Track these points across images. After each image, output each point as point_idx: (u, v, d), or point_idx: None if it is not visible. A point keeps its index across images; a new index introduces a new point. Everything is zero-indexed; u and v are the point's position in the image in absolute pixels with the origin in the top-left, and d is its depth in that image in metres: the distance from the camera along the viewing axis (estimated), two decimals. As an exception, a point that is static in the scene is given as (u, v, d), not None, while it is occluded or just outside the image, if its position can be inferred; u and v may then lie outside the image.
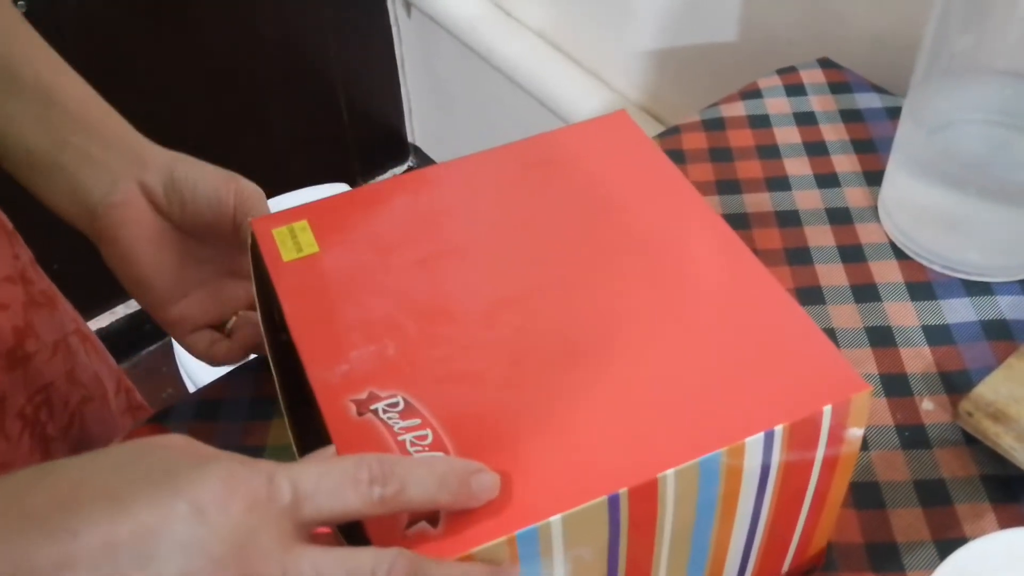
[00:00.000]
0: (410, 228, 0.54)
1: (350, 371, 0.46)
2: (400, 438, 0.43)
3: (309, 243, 0.53)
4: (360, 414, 0.44)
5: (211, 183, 0.57)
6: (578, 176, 0.56)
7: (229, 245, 0.60)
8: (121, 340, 1.74)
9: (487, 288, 0.51)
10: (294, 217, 0.55)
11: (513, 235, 0.54)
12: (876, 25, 0.92)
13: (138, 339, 1.78)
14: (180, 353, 1.24)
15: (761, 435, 0.43)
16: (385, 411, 0.44)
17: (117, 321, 1.74)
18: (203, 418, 0.64)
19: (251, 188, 0.59)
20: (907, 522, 0.56)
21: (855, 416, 0.45)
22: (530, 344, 0.48)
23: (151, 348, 1.79)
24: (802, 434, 0.44)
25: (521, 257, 0.53)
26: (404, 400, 0.45)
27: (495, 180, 0.57)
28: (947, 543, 0.52)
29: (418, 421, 0.44)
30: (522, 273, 0.52)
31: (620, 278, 0.51)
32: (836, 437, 0.45)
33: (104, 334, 1.74)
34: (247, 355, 0.63)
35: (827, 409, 0.44)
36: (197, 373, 1.28)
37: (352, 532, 0.42)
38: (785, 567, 0.52)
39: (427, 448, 0.43)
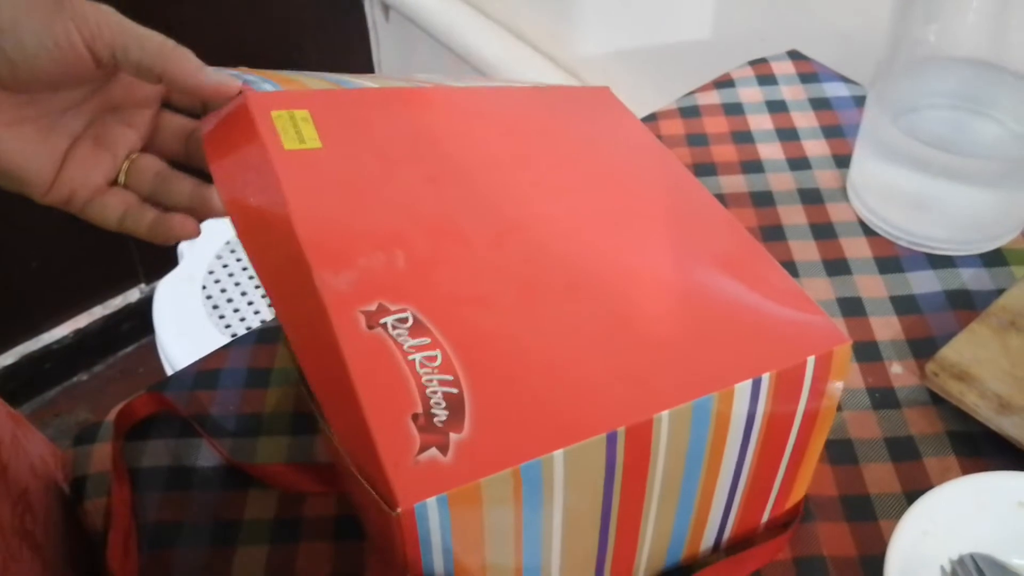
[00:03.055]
0: (415, 144, 0.52)
1: (358, 279, 0.44)
2: (410, 357, 0.42)
3: (311, 136, 0.50)
4: (370, 327, 0.43)
5: (37, 31, 0.45)
6: (575, 126, 0.57)
7: (94, 83, 0.51)
8: (98, 341, 1.75)
9: (494, 213, 0.50)
10: (293, 103, 0.51)
11: (516, 167, 0.53)
12: (842, 19, 0.95)
13: (115, 340, 1.78)
14: (163, 343, 1.25)
15: (750, 382, 0.44)
16: (395, 326, 0.43)
17: (94, 322, 1.75)
18: (202, 387, 0.66)
19: (92, 10, 0.46)
20: (879, 476, 0.59)
21: (836, 368, 0.47)
22: (537, 273, 0.47)
23: (128, 349, 1.80)
24: (787, 383, 0.46)
25: (525, 189, 0.52)
26: (413, 316, 0.43)
27: (496, 114, 0.56)
28: (916, 493, 0.54)
29: (428, 340, 0.43)
30: (527, 203, 0.51)
31: (616, 222, 0.51)
32: (818, 389, 0.47)
33: (81, 335, 1.74)
34: (158, 206, 0.53)
35: (811, 360, 0.46)
36: (180, 364, 1.29)
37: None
38: (764, 518, 0.55)
39: (436, 370, 0.42)
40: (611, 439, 0.42)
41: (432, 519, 0.39)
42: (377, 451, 0.39)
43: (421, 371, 0.41)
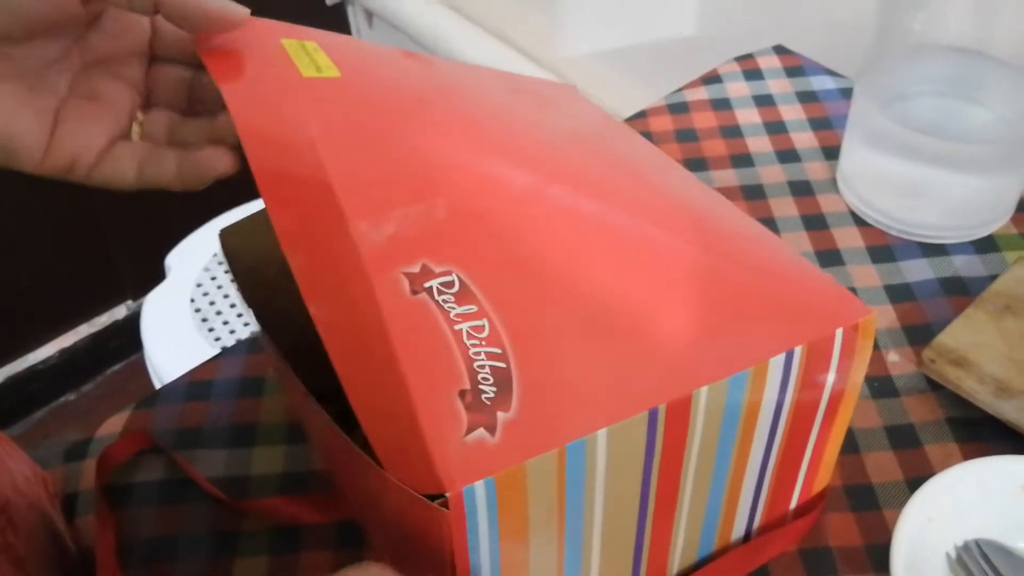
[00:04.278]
0: (431, 91, 0.48)
1: (398, 234, 0.40)
2: (457, 327, 0.39)
3: (327, 64, 0.45)
4: (414, 292, 0.39)
5: None
6: (566, 108, 0.56)
7: (75, 30, 0.44)
8: (85, 360, 1.74)
9: (525, 165, 0.46)
10: (295, 35, 0.46)
11: (530, 130, 0.50)
12: (827, 12, 0.95)
13: (102, 358, 1.77)
14: (152, 359, 1.24)
15: (783, 356, 0.43)
16: (440, 291, 0.39)
17: (81, 340, 1.74)
18: (195, 398, 0.65)
19: None
20: (881, 464, 0.58)
21: (863, 340, 0.46)
22: (576, 234, 0.44)
23: (116, 367, 1.79)
24: (817, 356, 0.45)
25: (548, 151, 0.49)
26: (459, 279, 0.40)
27: (491, 85, 0.54)
28: (918, 481, 0.54)
29: (475, 308, 0.39)
30: (555, 163, 0.48)
31: (634, 200, 0.49)
32: (845, 362, 0.46)
33: (68, 355, 1.73)
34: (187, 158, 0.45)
35: (839, 332, 0.45)
36: (170, 375, 1.28)
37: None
38: (792, 504, 0.54)
39: (484, 342, 0.39)
40: (652, 417, 0.40)
41: (480, 505, 0.37)
42: (422, 431, 0.36)
43: (468, 343, 0.39)
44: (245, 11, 0.43)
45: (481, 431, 0.37)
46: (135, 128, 0.46)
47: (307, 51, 0.45)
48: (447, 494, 0.36)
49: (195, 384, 0.66)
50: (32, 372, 1.71)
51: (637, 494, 0.44)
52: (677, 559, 0.51)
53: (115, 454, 0.61)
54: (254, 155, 0.40)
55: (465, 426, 0.37)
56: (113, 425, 0.64)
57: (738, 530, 0.52)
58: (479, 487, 0.36)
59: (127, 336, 1.75)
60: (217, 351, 1.22)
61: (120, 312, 1.77)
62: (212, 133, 0.46)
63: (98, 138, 0.44)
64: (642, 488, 0.44)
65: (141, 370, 1.42)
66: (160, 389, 0.66)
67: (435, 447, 0.36)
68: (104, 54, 0.45)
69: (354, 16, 1.74)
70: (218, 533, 0.58)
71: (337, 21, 1.74)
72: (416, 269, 0.40)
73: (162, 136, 0.46)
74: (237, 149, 0.45)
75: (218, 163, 0.44)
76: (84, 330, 1.74)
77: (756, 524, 0.53)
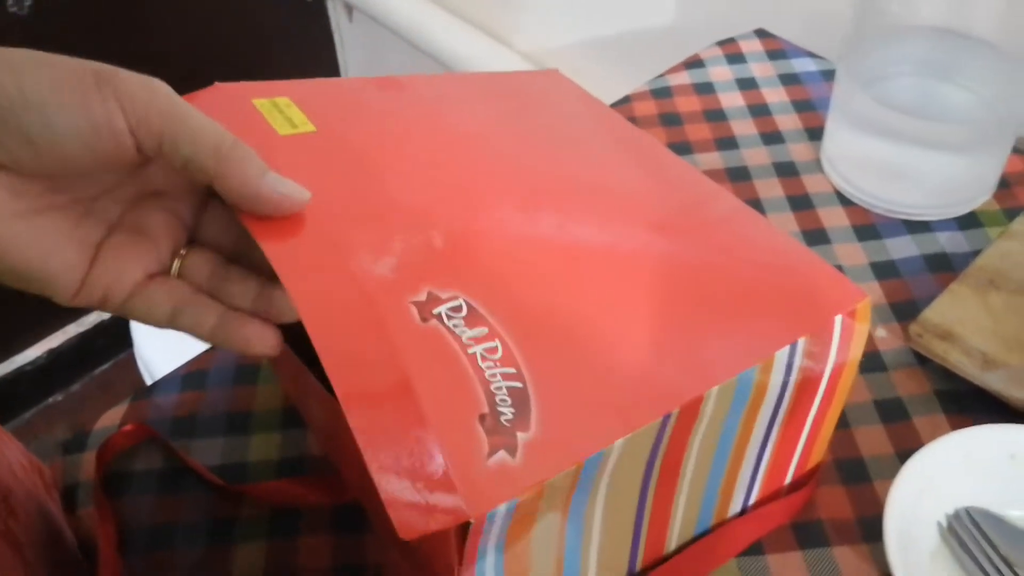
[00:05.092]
0: (410, 122, 0.49)
1: (400, 264, 0.40)
2: (470, 351, 0.39)
3: (301, 120, 0.45)
4: (424, 320, 0.39)
5: (71, 110, 0.37)
6: (548, 105, 0.57)
7: (130, 168, 0.42)
8: (73, 360, 1.73)
9: (513, 184, 0.47)
10: (267, 92, 0.46)
11: (514, 142, 0.51)
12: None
13: (90, 357, 1.77)
14: (143, 355, 1.24)
15: (787, 348, 0.44)
16: (449, 316, 0.40)
17: (68, 340, 1.73)
18: (190, 388, 0.65)
19: (142, 90, 0.38)
20: (871, 438, 0.59)
21: (860, 324, 0.47)
22: (571, 245, 0.44)
23: (104, 366, 1.78)
24: (818, 345, 0.46)
25: (533, 165, 0.50)
26: (466, 304, 0.40)
27: (468, 99, 0.55)
28: (908, 453, 0.55)
29: (485, 330, 0.40)
30: (542, 177, 0.48)
31: (621, 198, 0.50)
32: (844, 346, 0.47)
33: (55, 355, 1.73)
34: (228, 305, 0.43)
35: (838, 319, 0.46)
36: (161, 370, 1.28)
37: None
38: (788, 479, 0.55)
39: (498, 363, 0.39)
40: (664, 420, 0.41)
41: (497, 524, 0.37)
42: (443, 459, 0.36)
43: (483, 365, 0.39)
44: (306, 195, 0.41)
45: (502, 453, 0.37)
46: (176, 263, 0.44)
47: (279, 108, 0.46)
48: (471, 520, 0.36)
49: (190, 375, 0.66)
50: (20, 373, 1.71)
51: (639, 485, 0.45)
52: (675, 535, 0.51)
53: (115, 445, 0.61)
54: (248, 222, 0.41)
55: (487, 450, 0.37)
56: (111, 418, 0.64)
57: (735, 506, 0.53)
58: (501, 509, 0.36)
59: (114, 335, 1.75)
60: (207, 345, 1.22)
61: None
62: (262, 297, 0.43)
63: (135, 273, 0.42)
64: (644, 479, 0.45)
65: (129, 368, 1.42)
66: (156, 381, 0.66)
67: (457, 476, 0.35)
68: (160, 186, 0.44)
69: (334, 11, 1.74)
70: (217, 520, 0.58)
71: (317, 16, 1.74)
72: (423, 297, 0.40)
73: (203, 279, 0.44)
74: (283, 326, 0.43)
75: (262, 342, 0.42)
76: (72, 330, 1.74)
77: (753, 499, 0.54)
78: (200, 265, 0.44)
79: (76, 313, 1.74)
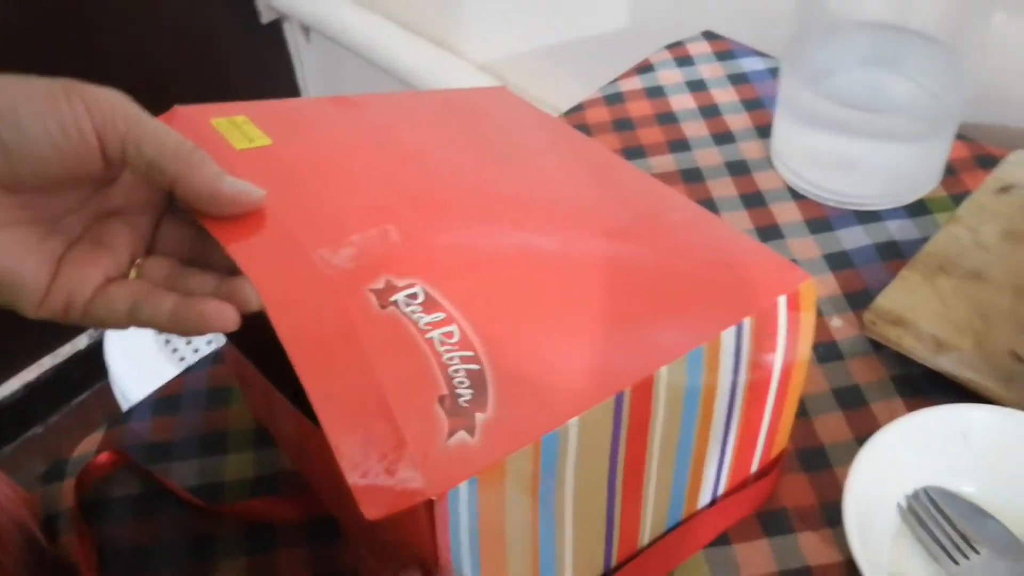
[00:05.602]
0: (364, 136, 0.51)
1: (358, 254, 0.42)
2: (428, 335, 0.40)
3: (258, 135, 0.48)
4: (383, 307, 0.41)
5: (41, 115, 0.40)
6: (498, 120, 0.58)
7: (95, 184, 0.45)
8: (50, 392, 1.73)
9: (466, 196, 0.49)
10: (225, 112, 0.49)
11: (465, 156, 0.53)
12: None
13: (67, 389, 1.77)
14: (119, 384, 1.25)
15: (733, 329, 0.46)
16: (407, 303, 0.41)
17: (44, 373, 1.73)
18: (164, 413, 0.66)
19: (107, 97, 0.41)
20: (830, 426, 0.61)
21: (805, 304, 0.49)
22: (527, 238, 0.47)
23: (81, 397, 1.78)
24: (764, 324, 0.48)
25: (486, 178, 0.52)
26: (424, 291, 0.42)
27: (421, 115, 0.57)
28: (866, 438, 0.56)
29: (442, 315, 0.41)
30: (494, 190, 0.50)
31: (575, 198, 0.52)
32: (793, 328, 0.49)
33: (32, 388, 1.73)
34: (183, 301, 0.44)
35: (782, 299, 0.48)
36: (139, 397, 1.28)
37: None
38: (754, 468, 0.56)
39: (456, 347, 0.40)
40: (618, 400, 0.43)
41: (462, 502, 0.39)
42: (404, 440, 0.37)
43: (441, 349, 0.40)
44: (261, 193, 0.44)
45: (462, 434, 0.38)
46: (133, 271, 0.45)
47: (236, 125, 0.48)
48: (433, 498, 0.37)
49: (164, 400, 0.67)
50: (-3, 409, 1.71)
51: (606, 472, 0.46)
52: (648, 529, 0.53)
53: (92, 472, 0.62)
54: (209, 225, 0.43)
55: (447, 431, 0.38)
56: (87, 446, 0.65)
57: (704, 497, 0.55)
58: (463, 487, 0.38)
59: (90, 364, 1.75)
60: (182, 369, 1.23)
61: (82, 342, 1.77)
62: (223, 287, 0.45)
63: (95, 277, 0.44)
64: (610, 466, 0.46)
65: (106, 398, 1.42)
66: (131, 408, 0.67)
67: (419, 454, 0.37)
68: (120, 205, 0.46)
69: (291, 32, 1.75)
70: (196, 539, 0.59)
71: (274, 38, 1.75)
72: (381, 285, 0.42)
73: (160, 278, 0.46)
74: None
75: (219, 317, 0.43)
76: (47, 362, 1.74)
77: (721, 490, 0.55)
78: (157, 267, 0.46)
79: (50, 345, 1.73)
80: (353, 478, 0.36)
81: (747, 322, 0.47)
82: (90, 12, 1.51)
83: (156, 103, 0.46)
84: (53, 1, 1.46)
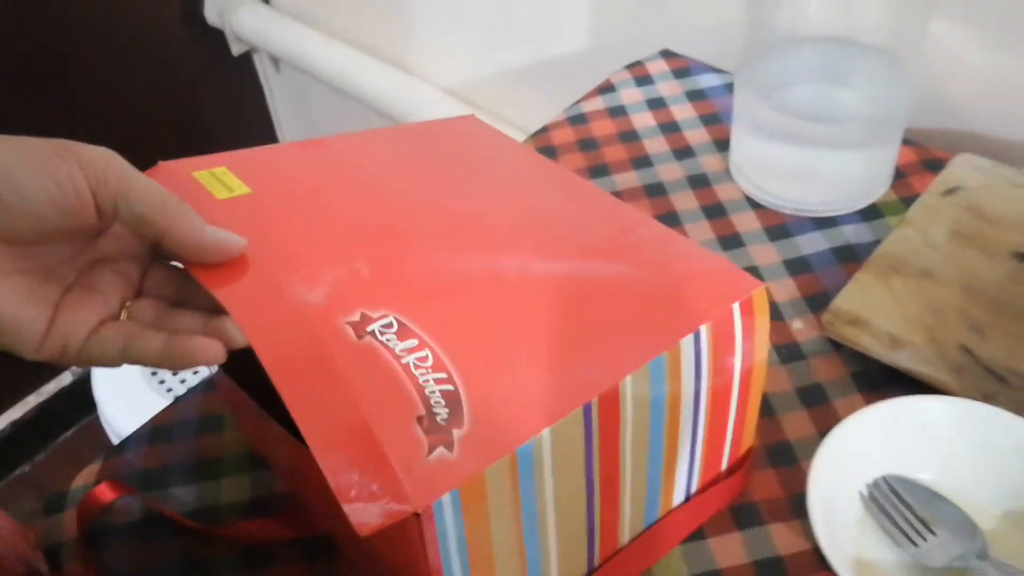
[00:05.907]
0: (335, 176, 0.55)
1: (332, 292, 0.46)
2: (404, 360, 0.44)
3: (237, 184, 0.51)
4: (360, 337, 0.44)
5: (38, 173, 0.43)
6: (459, 150, 0.61)
7: (89, 236, 0.48)
8: (36, 430, 1.74)
9: (434, 224, 0.52)
10: (206, 164, 0.52)
11: (432, 186, 0.56)
12: (704, 15, 1.01)
13: (53, 426, 1.78)
14: (107, 418, 1.26)
15: (691, 336, 0.49)
16: (382, 332, 0.45)
17: (29, 411, 1.74)
18: (158, 442, 0.69)
19: (99, 156, 0.45)
20: (795, 423, 0.64)
21: (759, 310, 0.52)
22: (490, 262, 0.50)
23: (67, 434, 1.79)
24: (721, 330, 0.51)
25: (453, 206, 0.55)
26: (396, 320, 0.45)
27: (389, 150, 0.60)
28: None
29: (415, 341, 0.44)
30: (461, 216, 0.54)
31: (535, 222, 0.55)
32: (748, 332, 0.52)
33: (18, 427, 1.73)
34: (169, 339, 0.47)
35: (736, 306, 0.51)
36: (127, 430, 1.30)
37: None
38: (723, 466, 0.59)
39: (430, 370, 0.43)
40: (587, 411, 0.46)
41: (447, 514, 0.41)
42: (387, 458, 0.40)
43: (417, 372, 0.43)
44: (242, 242, 0.47)
45: (441, 449, 0.41)
46: (123, 313, 0.48)
47: (217, 176, 0.52)
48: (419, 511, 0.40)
49: (157, 429, 0.70)
50: (-16, 448, 1.72)
51: (582, 478, 0.49)
52: (627, 529, 0.55)
53: (94, 502, 0.65)
54: (194, 272, 0.47)
55: (427, 448, 0.41)
56: (85, 477, 0.67)
57: (678, 496, 0.57)
58: (446, 499, 0.41)
59: (76, 400, 1.76)
60: (170, 401, 1.25)
61: (66, 378, 1.78)
62: (209, 326, 0.48)
63: (89, 320, 0.47)
64: (586, 472, 0.49)
65: (93, 433, 1.43)
66: (125, 439, 0.70)
67: (401, 471, 0.40)
68: (110, 254, 0.49)
69: (261, 64, 1.77)
70: (196, 561, 0.61)
71: (245, 69, 1.77)
72: (356, 318, 0.45)
73: (150, 318, 0.49)
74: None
75: (206, 353, 0.46)
76: (32, 400, 1.75)
77: (694, 488, 0.58)
78: (146, 309, 0.49)
79: (34, 383, 1.75)
80: (343, 497, 0.39)
81: (704, 329, 0.50)
82: (64, 48, 1.53)
83: (132, 137, 0.49)
84: (27, 38, 1.48)
